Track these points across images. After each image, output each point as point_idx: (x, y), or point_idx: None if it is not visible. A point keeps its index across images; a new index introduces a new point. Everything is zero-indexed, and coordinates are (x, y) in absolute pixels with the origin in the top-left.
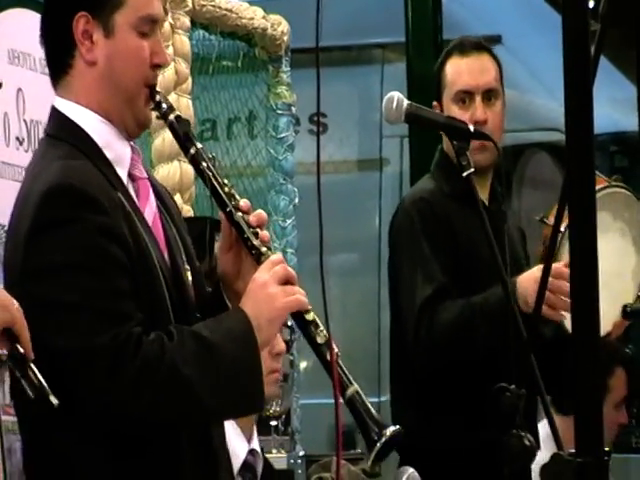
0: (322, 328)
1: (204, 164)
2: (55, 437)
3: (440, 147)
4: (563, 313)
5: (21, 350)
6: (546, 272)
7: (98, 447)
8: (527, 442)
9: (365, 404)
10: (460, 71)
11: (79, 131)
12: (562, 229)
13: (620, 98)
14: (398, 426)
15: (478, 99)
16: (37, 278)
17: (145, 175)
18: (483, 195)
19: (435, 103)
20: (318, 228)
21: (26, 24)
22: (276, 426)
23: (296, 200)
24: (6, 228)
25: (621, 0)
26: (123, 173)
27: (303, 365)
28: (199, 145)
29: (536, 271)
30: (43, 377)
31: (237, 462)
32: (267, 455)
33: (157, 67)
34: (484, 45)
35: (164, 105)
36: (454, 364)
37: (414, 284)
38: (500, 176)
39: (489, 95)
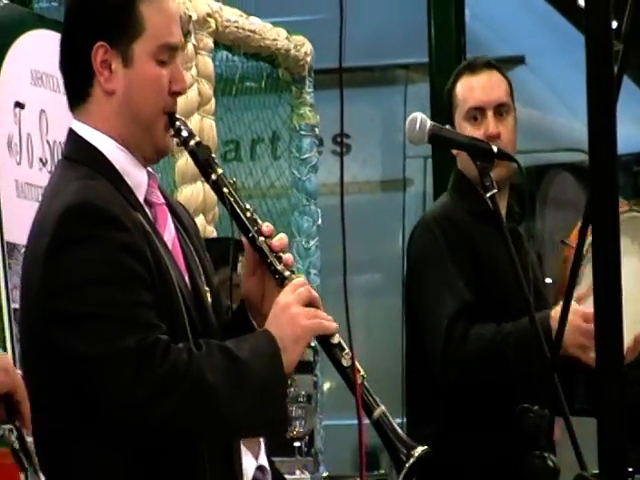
0: (347, 351)
1: (226, 190)
2: (71, 450)
3: (455, 168)
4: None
5: (18, 424)
6: (567, 301)
7: (115, 462)
8: (550, 463)
9: (392, 425)
10: (471, 88)
11: (97, 154)
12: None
13: None
14: (426, 446)
15: (490, 114)
16: (58, 294)
17: (162, 200)
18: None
19: (447, 126)
20: (341, 249)
21: (49, 45)
22: (299, 447)
23: (319, 221)
24: (25, 243)
25: None
26: (140, 198)
27: (326, 386)
28: (220, 171)
29: (574, 317)
30: (67, 387)
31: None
32: (290, 477)
33: (176, 94)
34: (493, 63)
35: (184, 132)
36: (481, 385)
37: (440, 302)
38: (520, 195)
39: (500, 110)
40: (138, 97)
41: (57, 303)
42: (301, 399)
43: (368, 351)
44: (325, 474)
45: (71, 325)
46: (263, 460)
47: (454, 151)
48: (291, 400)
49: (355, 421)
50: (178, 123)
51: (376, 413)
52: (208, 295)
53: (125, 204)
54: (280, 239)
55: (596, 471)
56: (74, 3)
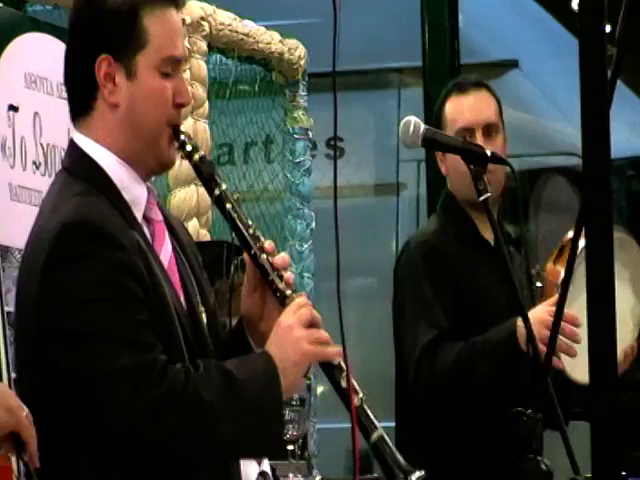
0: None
1: (229, 206)
2: (68, 463)
3: (445, 189)
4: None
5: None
6: (559, 313)
7: (112, 475)
8: (543, 467)
9: (390, 449)
10: (460, 109)
11: (97, 169)
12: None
13: (637, 122)
14: (423, 471)
15: (479, 135)
16: (55, 311)
17: (160, 218)
18: (488, 235)
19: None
20: (335, 252)
21: (43, 48)
22: (293, 450)
23: (313, 224)
24: (22, 252)
25: (638, 24)
26: (139, 215)
27: (320, 389)
28: (224, 186)
29: (538, 311)
30: (64, 401)
31: None
32: None
33: (180, 106)
34: (482, 82)
35: (188, 145)
36: (455, 404)
37: (417, 329)
38: (514, 199)
39: (489, 130)
40: (142, 110)
41: (54, 320)
42: (294, 402)
43: (361, 355)
44: (318, 477)
45: (68, 343)
46: (265, 466)
47: (444, 170)
48: (284, 403)
49: (348, 425)
50: (182, 136)
51: (374, 436)
52: (203, 315)
53: (122, 222)
54: (282, 257)
55: (589, 475)
56: (78, 16)
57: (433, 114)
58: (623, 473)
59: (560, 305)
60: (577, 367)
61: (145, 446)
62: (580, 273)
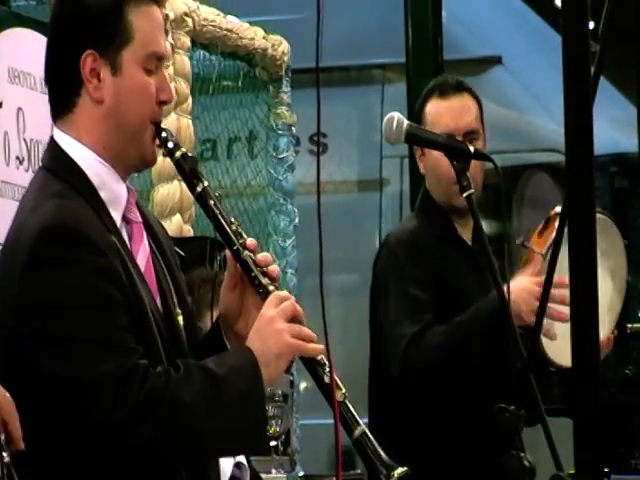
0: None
1: (211, 202)
2: (52, 462)
3: (423, 188)
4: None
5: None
6: (547, 286)
7: (96, 473)
8: (527, 463)
9: (373, 445)
10: (440, 113)
11: (75, 168)
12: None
13: (620, 119)
14: (406, 467)
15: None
16: (36, 314)
17: (139, 219)
18: (466, 235)
19: (417, 147)
20: (318, 248)
21: (27, 44)
22: (276, 446)
23: (296, 220)
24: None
25: (621, 21)
26: (117, 215)
27: (303, 385)
28: (205, 183)
29: (524, 282)
30: (47, 402)
31: (224, 479)
32: (266, 476)
33: (163, 103)
34: (464, 85)
35: (170, 143)
36: (445, 388)
37: (402, 323)
38: (497, 195)
39: (470, 136)
40: (126, 105)
41: (34, 323)
42: (277, 398)
43: (344, 351)
44: (301, 473)
45: (50, 346)
46: (241, 457)
47: (422, 169)
48: (267, 399)
49: (331, 420)
50: (164, 133)
51: (356, 432)
52: (180, 317)
53: (100, 225)
54: (264, 255)
55: (572, 471)
56: (62, 11)
57: (416, 112)
58: (606, 469)
59: (548, 279)
60: (558, 350)
61: (129, 449)
62: (566, 255)
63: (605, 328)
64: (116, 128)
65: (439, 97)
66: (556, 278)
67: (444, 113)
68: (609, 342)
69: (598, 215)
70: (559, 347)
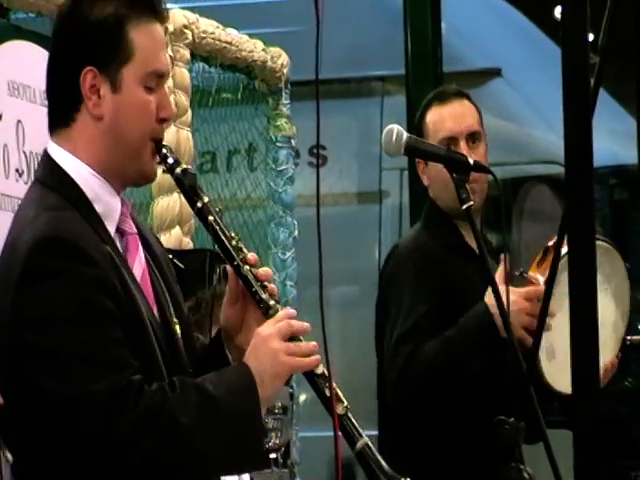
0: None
1: (211, 218)
2: (48, 477)
3: (427, 199)
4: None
5: None
6: (545, 307)
7: None
8: (526, 475)
9: (375, 457)
10: (442, 119)
11: (69, 181)
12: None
13: (620, 131)
14: (409, 479)
15: (462, 143)
16: (29, 327)
17: (134, 230)
18: (473, 242)
19: (418, 160)
20: (318, 260)
21: (26, 56)
22: (275, 459)
23: (296, 232)
24: None
25: (621, 33)
26: (112, 227)
27: (302, 397)
28: (206, 199)
29: (512, 296)
30: (39, 419)
31: None
32: None
33: (163, 121)
34: (462, 92)
35: (170, 159)
36: (438, 402)
37: (398, 342)
38: (497, 208)
39: (473, 138)
40: (125, 123)
41: (28, 336)
42: (277, 411)
43: (344, 363)
44: None
45: (43, 360)
46: (245, 475)
47: (425, 181)
48: (267, 412)
49: (331, 433)
50: (164, 150)
51: (359, 445)
52: (177, 327)
53: (95, 237)
54: (265, 270)
55: None
56: (63, 26)
57: (416, 125)
58: None
59: (544, 308)
60: (558, 377)
61: (123, 468)
62: (564, 281)
63: (610, 351)
64: (115, 145)
65: (439, 104)
66: (527, 291)
67: (446, 117)
68: (613, 365)
69: (600, 242)
70: (558, 371)
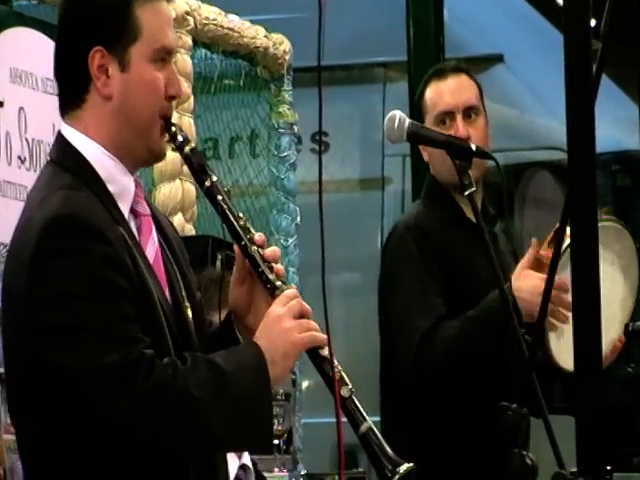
0: (336, 364)
1: (219, 197)
2: (56, 456)
3: (428, 174)
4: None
5: None
6: (549, 286)
7: (100, 468)
8: (529, 461)
9: (379, 440)
10: (440, 93)
11: (83, 161)
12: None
13: (622, 117)
14: (412, 463)
15: (459, 117)
16: (42, 305)
17: (148, 212)
18: (471, 214)
19: None
20: (320, 247)
21: (28, 43)
22: (278, 445)
23: (298, 219)
24: (8, 247)
25: (623, 19)
26: (125, 208)
27: (305, 384)
28: (214, 178)
29: (537, 281)
30: (51, 393)
31: None
32: (269, 475)
33: (172, 98)
34: (462, 67)
35: (179, 137)
36: (455, 384)
37: (413, 316)
38: (499, 194)
39: (469, 112)
40: (135, 101)
41: (41, 315)
42: (280, 397)
43: (347, 350)
44: (303, 472)
45: (55, 337)
46: (246, 459)
47: (426, 157)
48: None
49: (334, 419)
50: (174, 128)
51: (362, 428)
52: (189, 310)
53: (108, 217)
54: (272, 250)
55: (574, 469)
56: (69, 8)
57: (416, 103)
58: (608, 468)
59: (549, 281)
60: (564, 355)
61: (133, 441)
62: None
63: (618, 328)
64: (125, 124)
65: (437, 79)
66: (558, 280)
67: (443, 92)
68: (622, 342)
69: (611, 223)
70: (566, 350)
